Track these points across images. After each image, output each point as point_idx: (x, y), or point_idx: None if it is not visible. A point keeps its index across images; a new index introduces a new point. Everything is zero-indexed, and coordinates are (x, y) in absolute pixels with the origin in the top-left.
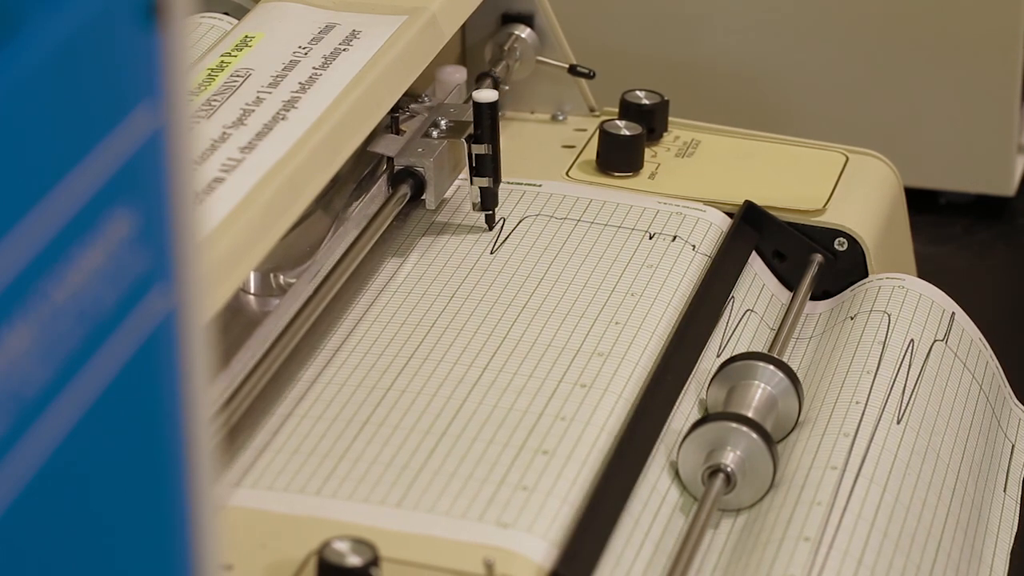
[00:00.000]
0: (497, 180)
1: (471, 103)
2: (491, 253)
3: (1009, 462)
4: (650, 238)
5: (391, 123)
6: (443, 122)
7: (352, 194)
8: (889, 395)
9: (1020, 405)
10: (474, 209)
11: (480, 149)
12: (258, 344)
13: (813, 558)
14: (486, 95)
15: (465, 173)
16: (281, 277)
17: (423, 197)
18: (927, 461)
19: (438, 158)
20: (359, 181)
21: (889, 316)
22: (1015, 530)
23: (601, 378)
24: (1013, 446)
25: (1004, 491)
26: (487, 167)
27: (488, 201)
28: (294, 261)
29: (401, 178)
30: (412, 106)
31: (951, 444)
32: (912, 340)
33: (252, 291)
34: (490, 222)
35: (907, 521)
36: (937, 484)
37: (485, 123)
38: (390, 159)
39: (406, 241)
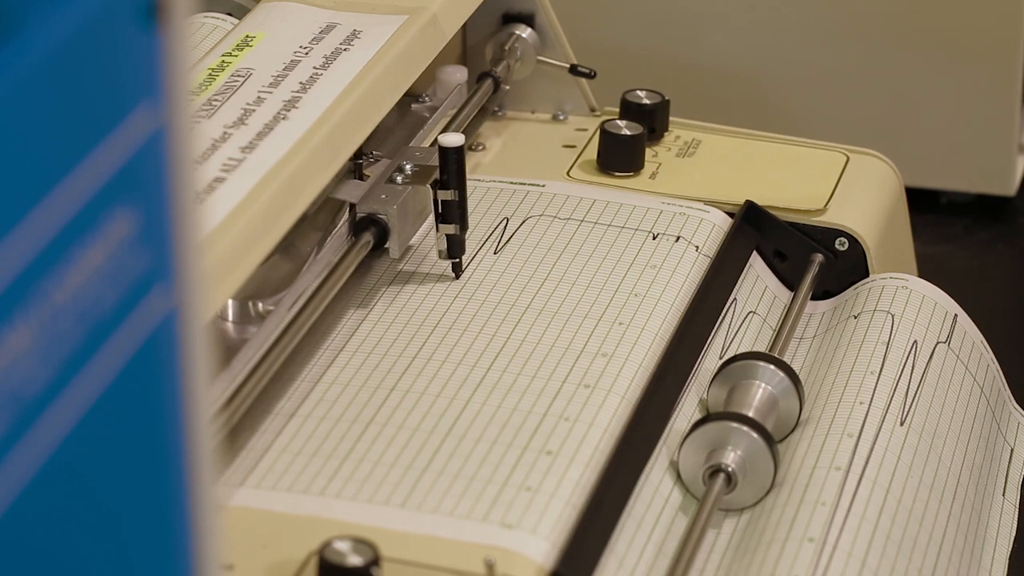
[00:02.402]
0: (464, 227)
1: (436, 147)
2: (495, 253)
3: (1008, 466)
4: (653, 238)
5: (354, 168)
6: (408, 167)
7: (322, 238)
8: (893, 396)
9: (1019, 409)
10: (440, 257)
11: (446, 195)
12: (258, 345)
13: (817, 559)
14: (452, 139)
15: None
16: (260, 305)
17: (387, 245)
18: (929, 464)
19: (402, 205)
20: (333, 218)
21: (893, 316)
22: (1014, 534)
23: (605, 379)
24: (1012, 450)
25: (1003, 495)
26: (454, 214)
27: (455, 249)
28: (273, 288)
29: (364, 226)
30: (413, 106)
31: (952, 447)
32: (915, 341)
33: (231, 319)
34: (457, 270)
35: (909, 524)
36: (939, 487)
37: (451, 168)
38: (352, 206)
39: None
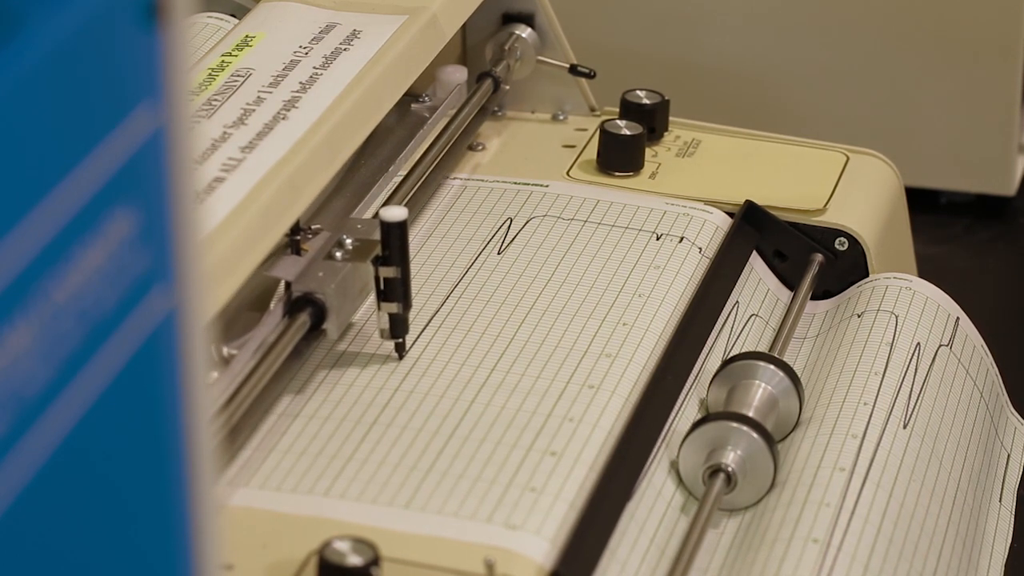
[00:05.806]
0: (407, 305)
1: (378, 221)
2: (498, 254)
3: (1005, 472)
4: (657, 239)
5: (291, 244)
6: (348, 242)
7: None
8: (896, 398)
9: (1017, 415)
10: (382, 336)
11: (388, 272)
12: (256, 346)
13: (822, 560)
14: (395, 213)
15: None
16: (224, 349)
17: (324, 326)
18: (931, 468)
19: (341, 283)
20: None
21: (896, 317)
22: (1010, 540)
23: (609, 379)
24: (1009, 456)
25: (999, 501)
26: (397, 292)
27: (397, 328)
28: (240, 331)
29: (300, 306)
30: (413, 106)
31: (952, 452)
32: (919, 344)
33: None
34: (400, 350)
35: (911, 528)
36: (939, 492)
37: (394, 243)
38: (288, 284)
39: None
